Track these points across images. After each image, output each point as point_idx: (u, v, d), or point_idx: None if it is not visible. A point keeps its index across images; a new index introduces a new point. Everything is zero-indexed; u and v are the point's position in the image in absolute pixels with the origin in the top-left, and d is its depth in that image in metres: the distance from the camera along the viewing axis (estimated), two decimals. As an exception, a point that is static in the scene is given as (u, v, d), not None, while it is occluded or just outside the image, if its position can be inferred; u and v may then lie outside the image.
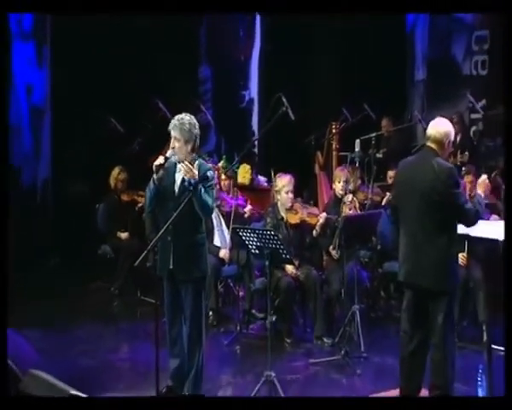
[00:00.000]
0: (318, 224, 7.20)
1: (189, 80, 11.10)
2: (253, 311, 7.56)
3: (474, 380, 6.23)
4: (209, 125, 11.03)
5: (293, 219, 7.29)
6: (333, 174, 8.11)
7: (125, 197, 8.90)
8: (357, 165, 7.86)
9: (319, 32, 11.77)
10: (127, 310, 8.26)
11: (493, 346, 5.73)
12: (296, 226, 7.30)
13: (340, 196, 7.45)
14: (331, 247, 7.24)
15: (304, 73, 11.56)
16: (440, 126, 5.15)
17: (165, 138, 5.54)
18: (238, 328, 7.23)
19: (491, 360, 5.55)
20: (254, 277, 7.41)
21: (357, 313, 6.83)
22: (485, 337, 6.63)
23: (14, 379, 3.75)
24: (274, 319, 6.45)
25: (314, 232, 7.24)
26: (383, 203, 7.59)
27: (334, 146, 9.32)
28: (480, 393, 5.96)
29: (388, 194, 7.39)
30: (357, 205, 7.51)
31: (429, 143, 5.13)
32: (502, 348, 5.84)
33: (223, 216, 7.59)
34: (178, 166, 5.38)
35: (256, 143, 11.31)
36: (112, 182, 8.93)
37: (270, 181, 8.96)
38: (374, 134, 7.97)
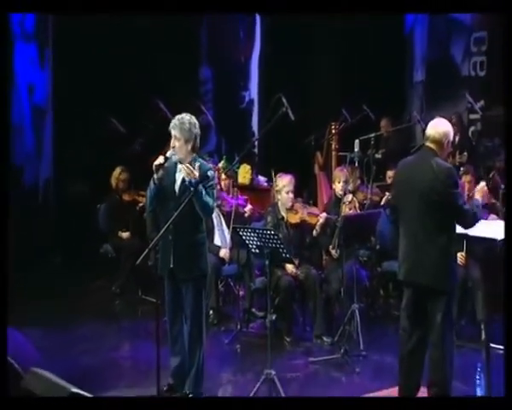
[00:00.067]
0: (319, 223, 7.22)
1: (189, 81, 11.12)
2: (253, 310, 7.57)
3: (472, 378, 6.26)
4: (209, 125, 11.07)
5: (294, 218, 7.32)
6: (332, 174, 8.13)
7: (126, 197, 8.93)
8: (356, 165, 7.90)
9: (319, 32, 11.79)
10: (128, 309, 8.29)
11: (491, 344, 5.75)
12: (296, 226, 7.32)
13: (339, 197, 7.46)
14: (331, 246, 7.27)
15: (304, 74, 11.58)
16: (439, 126, 5.16)
17: (166, 138, 5.57)
18: (238, 327, 7.25)
19: (489, 359, 5.58)
20: (254, 276, 7.43)
21: (357, 311, 6.85)
22: (483, 336, 6.68)
23: (16, 377, 3.78)
24: (274, 317, 6.47)
25: (314, 232, 7.27)
26: (382, 203, 7.58)
27: (333, 146, 9.35)
28: (479, 391, 6.00)
29: (387, 194, 7.40)
30: (357, 205, 7.54)
31: (428, 143, 5.13)
32: (500, 347, 5.91)
33: (223, 216, 7.62)
34: (179, 166, 5.41)
35: (256, 143, 11.33)
36: (113, 182, 8.96)
37: (270, 181, 9.00)
38: (373, 134, 8.01)
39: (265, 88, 11.69)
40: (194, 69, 11.54)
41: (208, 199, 5.31)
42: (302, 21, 10.78)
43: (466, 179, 7.25)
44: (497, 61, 10.13)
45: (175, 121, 5.43)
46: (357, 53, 11.34)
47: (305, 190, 9.71)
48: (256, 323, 7.59)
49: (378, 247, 7.73)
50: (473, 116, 11.18)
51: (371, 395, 5.75)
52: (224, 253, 7.60)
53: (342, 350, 6.52)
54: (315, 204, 8.72)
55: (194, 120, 5.47)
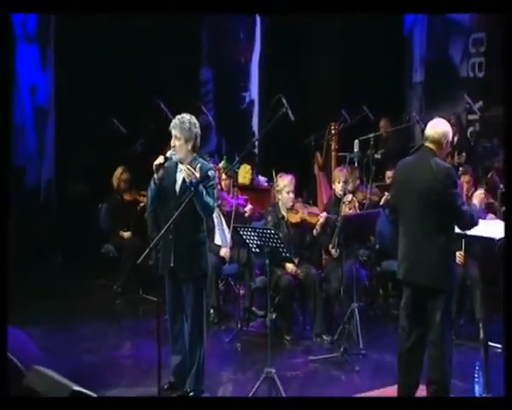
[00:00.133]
0: (319, 223, 7.25)
1: (190, 81, 11.15)
2: (254, 309, 7.61)
3: (470, 377, 6.28)
4: (210, 125, 11.10)
5: (294, 218, 7.34)
6: (332, 174, 8.14)
7: (127, 197, 8.97)
8: (355, 165, 7.93)
9: (319, 32, 11.80)
10: (129, 308, 8.32)
11: (490, 343, 5.78)
12: (296, 225, 7.35)
13: (339, 196, 7.48)
14: (330, 246, 7.28)
15: (303, 74, 11.59)
16: (438, 127, 5.16)
17: (167, 139, 5.60)
18: (239, 325, 7.28)
19: (487, 357, 5.59)
20: (255, 275, 7.45)
21: (356, 310, 6.87)
22: (481, 335, 6.67)
23: (18, 375, 3.79)
24: (274, 316, 6.46)
25: (314, 231, 7.29)
26: (381, 203, 7.61)
27: (333, 147, 9.36)
28: (477, 389, 6.03)
29: (387, 194, 7.42)
30: (357, 205, 7.57)
31: (427, 144, 5.13)
32: (498, 346, 5.96)
33: (223, 215, 7.64)
34: (179, 166, 5.44)
35: (256, 143, 11.34)
36: (114, 182, 9.00)
37: (270, 181, 9.04)
38: (372, 135, 8.04)
39: (265, 88, 11.71)
40: (195, 70, 11.56)
41: (209, 199, 5.33)
42: (302, 22, 10.79)
43: (464, 179, 7.29)
44: (496, 62, 10.16)
45: (175, 121, 5.46)
46: (357, 53, 11.35)
47: (304, 190, 9.72)
48: (256, 322, 7.62)
49: (377, 246, 7.74)
50: (471, 117, 11.20)
51: (370, 393, 5.78)
52: (224, 252, 7.63)
53: (342, 349, 6.55)
54: (315, 204, 8.74)
55: (194, 119, 5.50)
